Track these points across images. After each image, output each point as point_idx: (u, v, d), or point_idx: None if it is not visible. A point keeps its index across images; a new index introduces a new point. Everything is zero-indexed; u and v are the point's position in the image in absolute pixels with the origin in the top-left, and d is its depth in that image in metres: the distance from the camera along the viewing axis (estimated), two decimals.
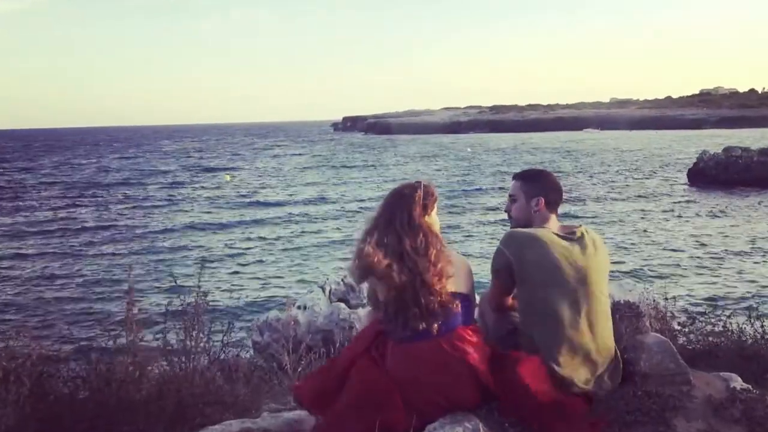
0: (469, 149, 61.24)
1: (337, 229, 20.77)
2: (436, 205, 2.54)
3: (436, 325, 2.37)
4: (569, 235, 2.63)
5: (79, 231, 20.98)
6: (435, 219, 2.52)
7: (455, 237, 18.06)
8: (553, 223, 2.71)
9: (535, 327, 2.58)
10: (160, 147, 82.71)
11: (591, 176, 33.86)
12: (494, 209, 23.07)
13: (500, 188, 29.54)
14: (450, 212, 22.75)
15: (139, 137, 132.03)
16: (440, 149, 61.88)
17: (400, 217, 2.42)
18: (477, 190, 29.77)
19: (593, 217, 21.13)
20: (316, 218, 23.26)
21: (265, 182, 35.75)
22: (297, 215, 24.11)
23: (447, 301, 2.39)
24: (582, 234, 2.64)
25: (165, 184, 35.26)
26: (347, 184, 34.23)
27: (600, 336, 2.59)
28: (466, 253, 13.89)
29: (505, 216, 2.90)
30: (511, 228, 2.75)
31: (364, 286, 2.81)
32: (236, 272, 15.12)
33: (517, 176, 2.84)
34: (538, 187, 2.74)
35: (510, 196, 2.82)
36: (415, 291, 2.36)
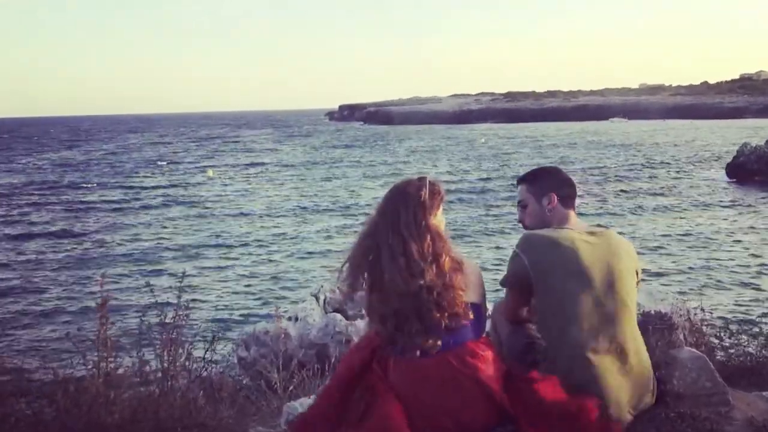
0: (482, 140, 61.34)
1: (333, 232, 20.78)
2: (442, 205, 2.51)
3: (441, 342, 2.34)
4: (594, 235, 2.59)
5: (46, 236, 20.99)
6: (441, 220, 2.48)
7: (464, 242, 18.05)
8: (574, 222, 2.68)
9: (557, 340, 2.53)
10: (142, 139, 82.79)
11: (618, 171, 33.85)
12: (509, 213, 23.09)
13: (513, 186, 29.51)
14: (458, 214, 22.75)
15: (115, 125, 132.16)
16: (448, 142, 61.91)
17: (405, 218, 2.37)
18: (491, 189, 29.75)
19: (620, 216, 21.11)
20: (310, 221, 23.28)
21: (251, 181, 35.79)
22: (288, 217, 24.14)
23: (456, 314, 2.35)
24: (608, 235, 2.60)
25: (145, 183, 35.29)
26: (344, 183, 34.24)
27: (634, 351, 2.53)
28: (478, 261, 13.88)
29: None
30: None
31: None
32: (220, 280, 15.14)
33: (520, 180, 2.82)
34: (546, 184, 2.71)
35: (519, 203, 2.80)
36: (420, 303, 2.32)
